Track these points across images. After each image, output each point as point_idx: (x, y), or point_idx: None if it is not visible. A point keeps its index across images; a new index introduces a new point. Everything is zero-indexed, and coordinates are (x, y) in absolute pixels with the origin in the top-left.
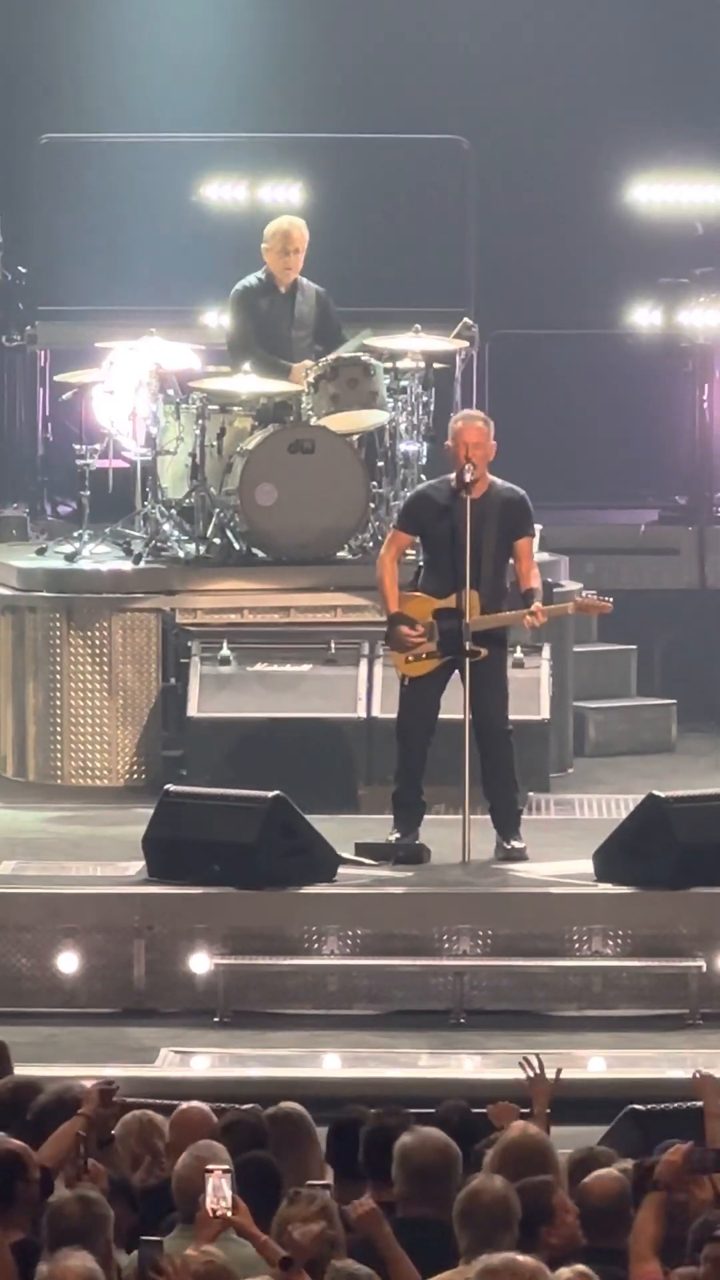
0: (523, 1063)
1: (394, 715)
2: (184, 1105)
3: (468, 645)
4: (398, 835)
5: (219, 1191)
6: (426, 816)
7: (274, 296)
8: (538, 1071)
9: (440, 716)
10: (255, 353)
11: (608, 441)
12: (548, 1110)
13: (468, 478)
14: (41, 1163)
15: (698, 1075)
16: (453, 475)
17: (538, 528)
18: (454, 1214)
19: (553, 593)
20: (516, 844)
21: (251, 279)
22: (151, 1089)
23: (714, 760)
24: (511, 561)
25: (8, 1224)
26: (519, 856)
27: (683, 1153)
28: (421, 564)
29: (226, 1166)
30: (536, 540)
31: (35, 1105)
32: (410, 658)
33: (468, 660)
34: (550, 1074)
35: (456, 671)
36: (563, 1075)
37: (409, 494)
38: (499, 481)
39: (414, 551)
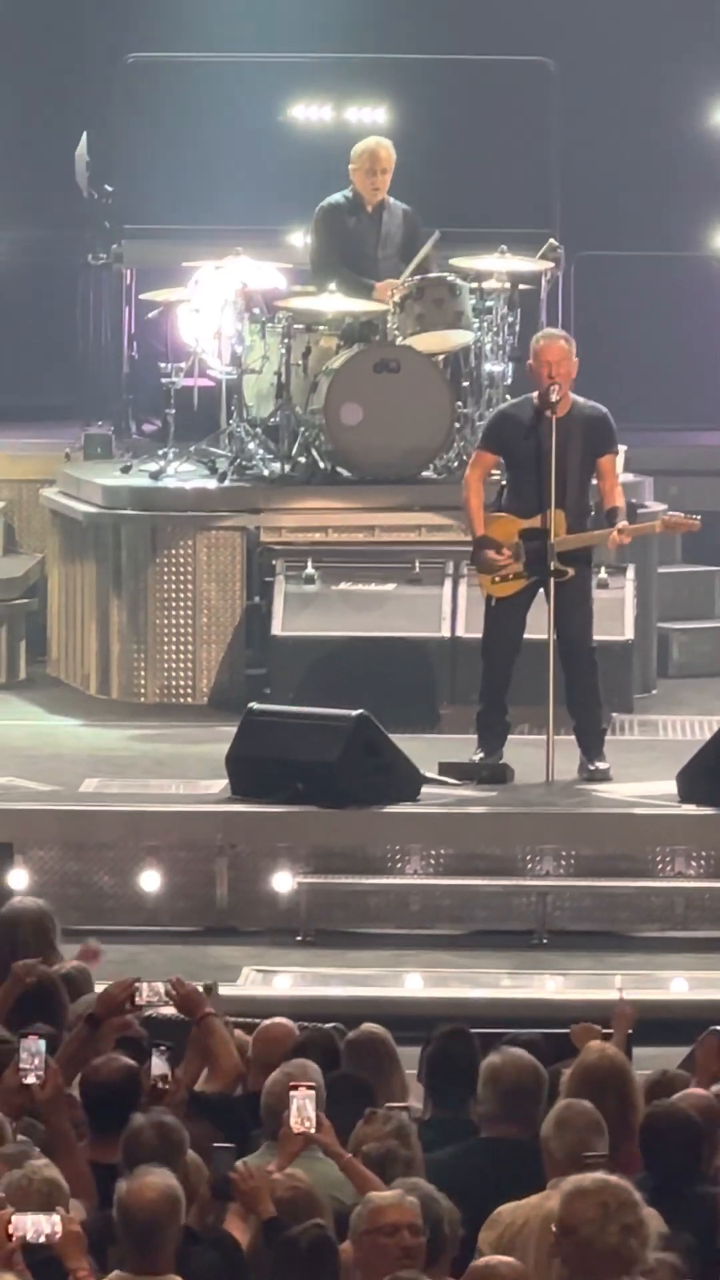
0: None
1: (478, 635)
2: (267, 1021)
3: (554, 565)
4: (481, 755)
5: (303, 1110)
6: (511, 736)
7: (360, 216)
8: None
9: (527, 637)
10: (340, 272)
11: (693, 363)
12: (629, 1032)
13: (553, 397)
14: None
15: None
16: (535, 394)
17: (622, 448)
18: (543, 1134)
19: (637, 512)
20: (601, 764)
21: (338, 197)
22: (235, 1008)
23: None
24: (595, 480)
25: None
26: (603, 777)
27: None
28: (505, 484)
29: (312, 1084)
30: (621, 460)
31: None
32: (497, 578)
33: (553, 580)
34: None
35: (541, 591)
36: (645, 997)
37: (490, 413)
38: (581, 400)
39: (498, 471)
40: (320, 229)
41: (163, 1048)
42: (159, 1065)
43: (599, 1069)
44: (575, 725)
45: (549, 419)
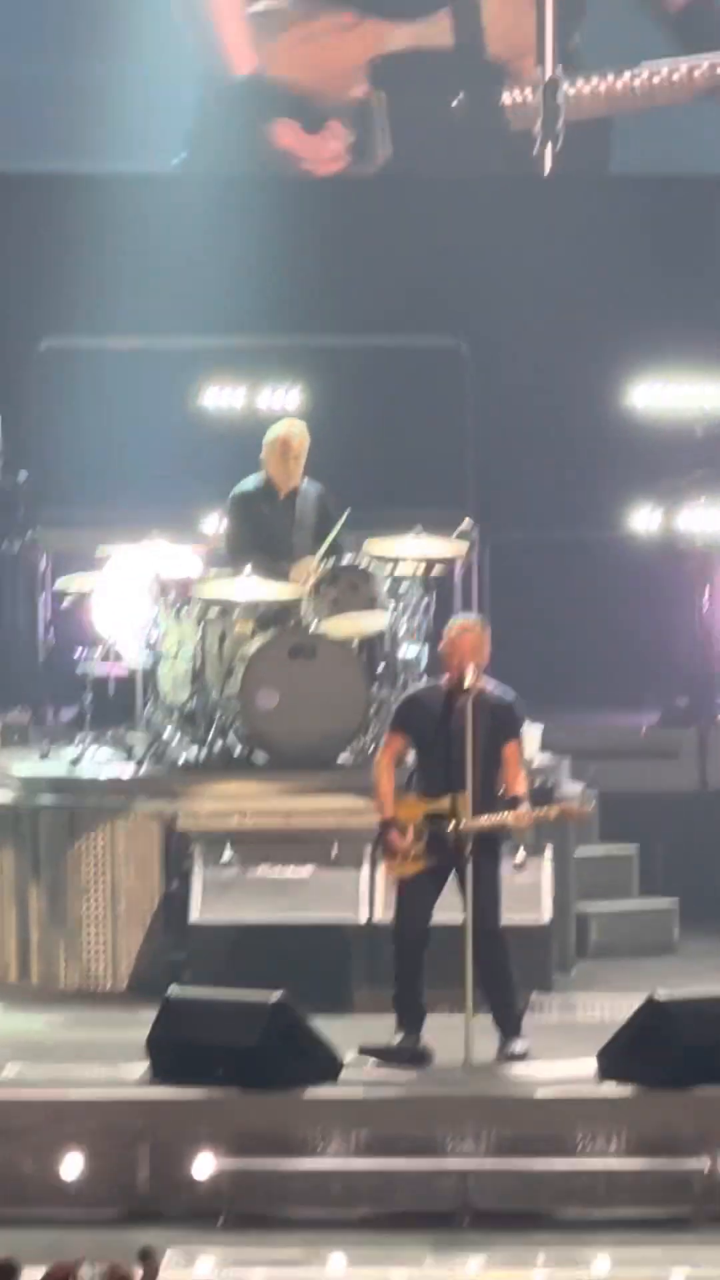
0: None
1: None
2: None
3: (458, 846)
4: (401, 1036)
5: None
6: (430, 1017)
7: (273, 501)
8: None
9: (442, 919)
10: (254, 556)
11: (608, 644)
12: None
13: (467, 683)
14: None
15: None
16: (444, 678)
17: (539, 728)
18: None
19: (551, 795)
20: (517, 1046)
21: (250, 483)
22: None
23: (716, 961)
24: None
25: None
26: (520, 1056)
27: None
28: (415, 766)
29: None
30: (538, 742)
31: None
32: (400, 859)
33: (464, 861)
34: None
35: (454, 873)
36: (567, 1276)
37: (401, 697)
38: (489, 685)
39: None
40: (234, 515)
41: None
42: None
43: None
44: (489, 1006)
45: (463, 704)
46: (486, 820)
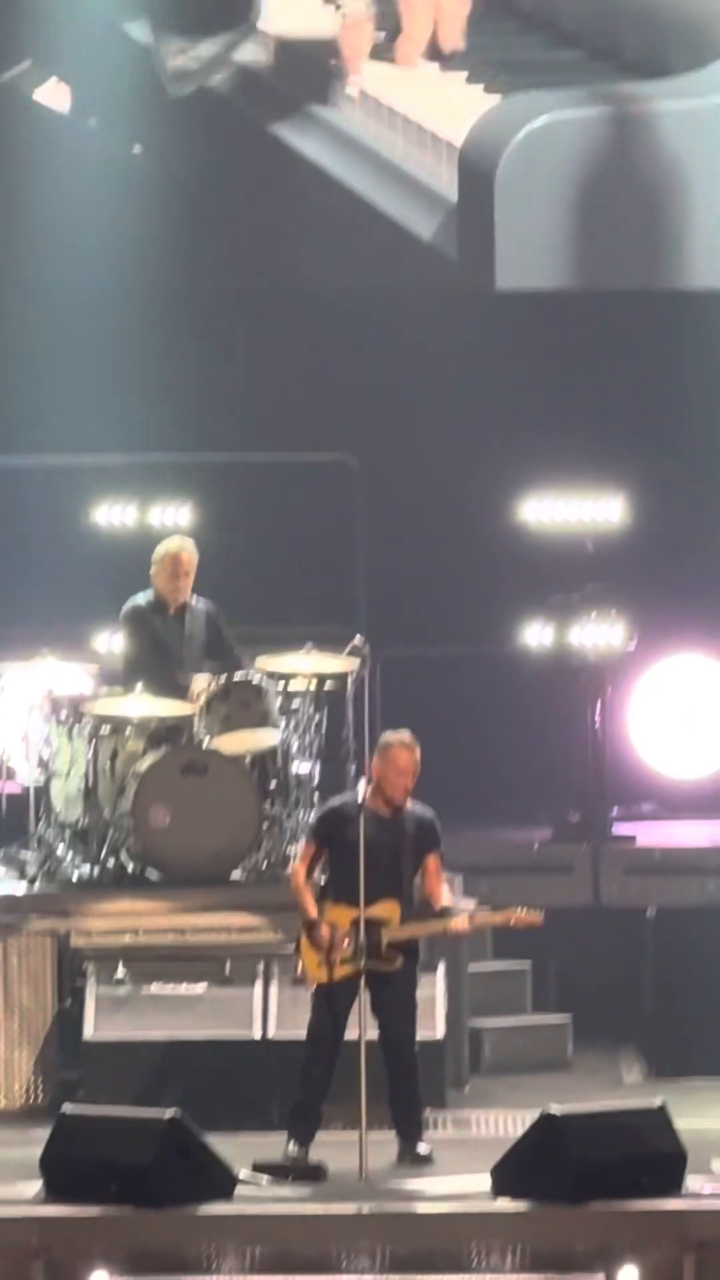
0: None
1: (291, 1033)
2: None
3: (383, 953)
4: (294, 1145)
5: None
6: (323, 1134)
7: (164, 616)
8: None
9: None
10: (148, 672)
11: (500, 759)
12: None
13: (398, 801)
14: None
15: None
16: (362, 790)
17: (440, 838)
18: None
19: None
20: (423, 1148)
21: (140, 598)
22: None
23: (609, 1077)
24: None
25: None
26: (426, 1160)
27: None
28: (327, 877)
29: None
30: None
31: None
32: (322, 962)
33: (380, 971)
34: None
35: (367, 986)
36: None
37: (322, 808)
38: (409, 801)
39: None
40: (126, 631)
41: None
42: None
43: None
44: (394, 1118)
45: (382, 817)
46: (421, 927)
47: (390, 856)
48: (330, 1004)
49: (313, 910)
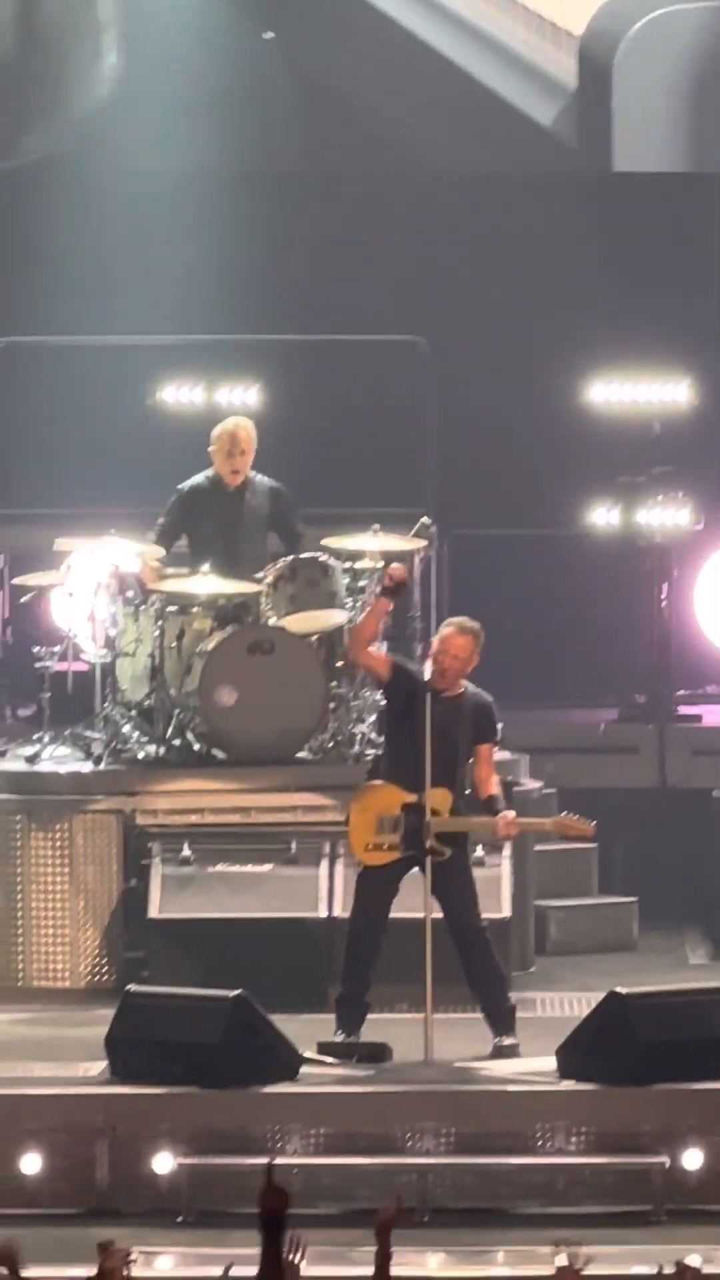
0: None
1: None
2: None
3: (430, 844)
4: (342, 1034)
5: None
6: (390, 1015)
7: (221, 496)
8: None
9: (401, 914)
10: (203, 551)
11: (567, 640)
12: None
13: (446, 683)
14: None
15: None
16: (429, 669)
17: (500, 725)
18: None
19: (513, 790)
20: (508, 1040)
21: (200, 479)
22: None
23: (675, 958)
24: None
25: None
26: (511, 1053)
27: None
28: (384, 754)
29: None
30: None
31: None
32: (371, 846)
33: (438, 858)
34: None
35: (416, 870)
36: (528, 1273)
37: (396, 659)
38: (471, 687)
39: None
40: (170, 508)
41: None
42: None
43: None
44: (480, 1004)
45: (443, 698)
46: (468, 821)
47: (446, 741)
48: (371, 886)
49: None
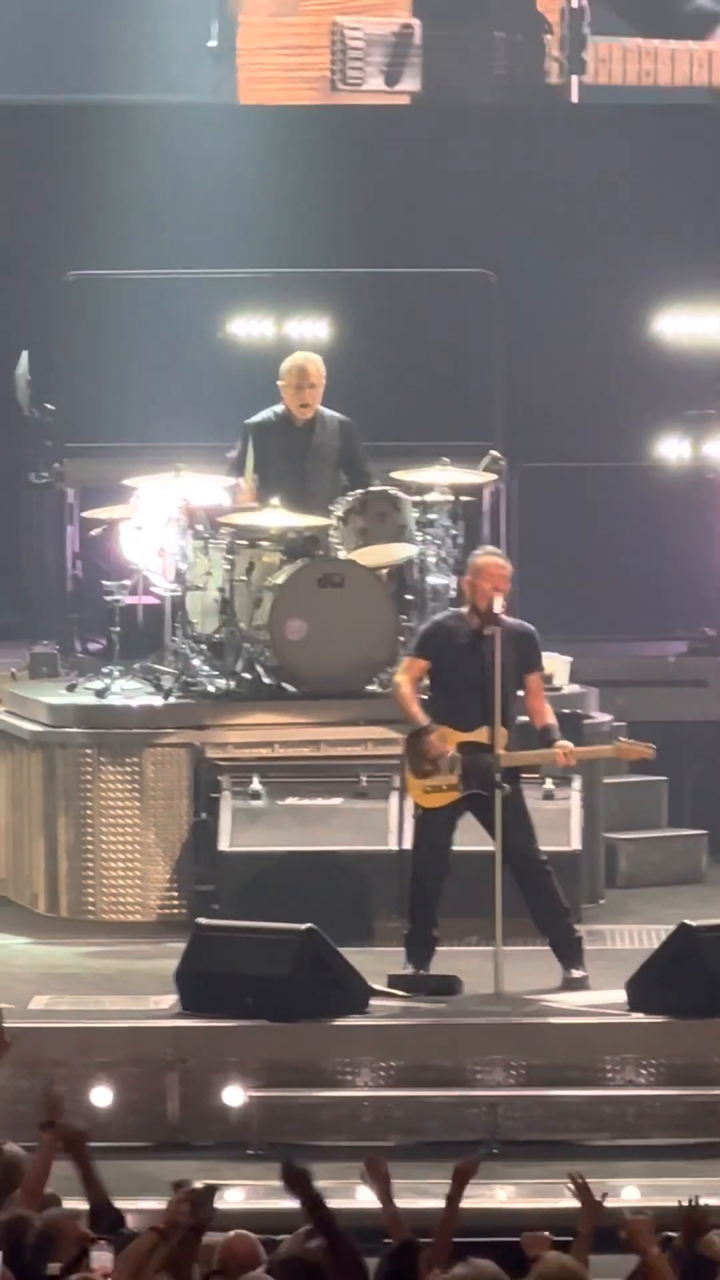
0: (570, 1185)
1: None
2: (231, 1234)
3: (499, 779)
4: (411, 968)
5: None
6: (459, 947)
7: (289, 430)
8: (582, 1190)
9: (470, 848)
10: (272, 485)
11: (636, 573)
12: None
13: (498, 606)
14: None
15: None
16: (466, 608)
17: (568, 660)
18: None
19: (583, 724)
20: (577, 973)
21: (268, 413)
22: None
23: None
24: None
25: None
26: (580, 985)
27: None
28: (432, 696)
29: None
30: (567, 671)
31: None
32: (429, 788)
33: (498, 794)
34: (596, 1195)
35: (470, 811)
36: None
37: (425, 624)
38: (509, 618)
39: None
40: (241, 440)
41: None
42: (101, 1259)
43: (556, 1277)
44: (548, 938)
45: (493, 634)
46: (534, 755)
47: (492, 675)
48: (431, 828)
49: (421, 718)
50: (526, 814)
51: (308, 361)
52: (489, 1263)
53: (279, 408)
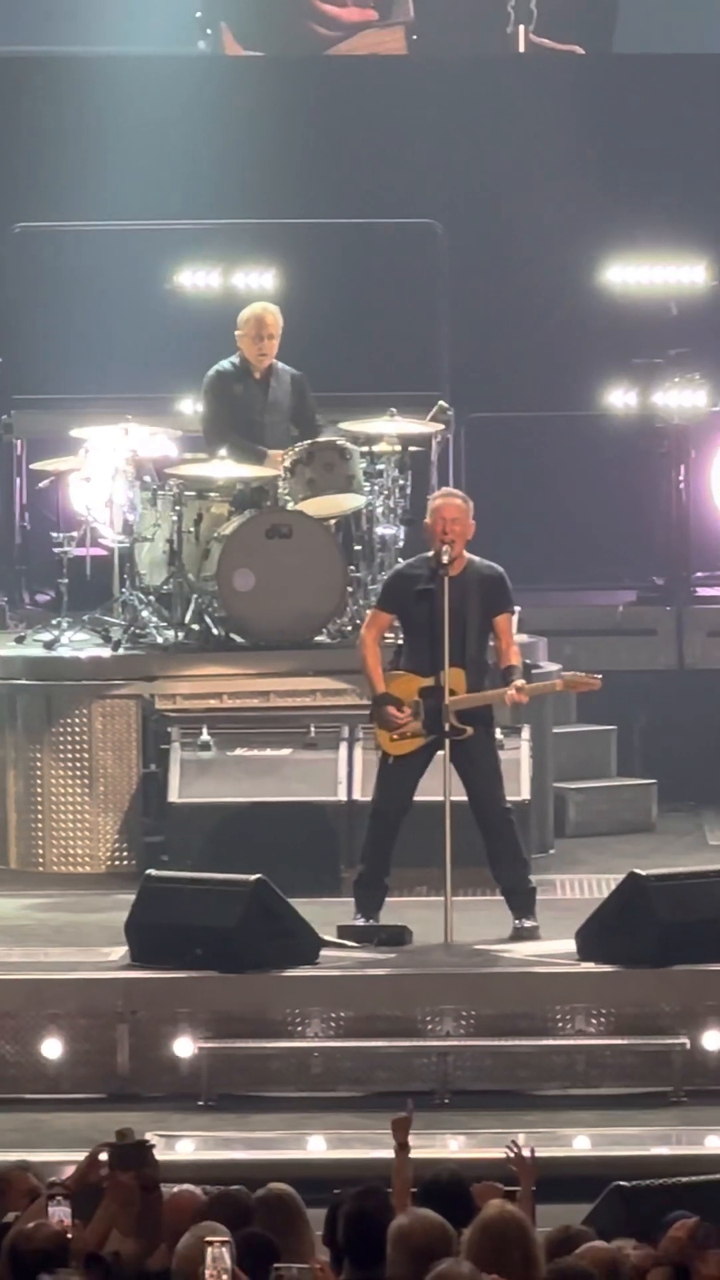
0: (509, 1146)
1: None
2: (174, 1189)
3: (450, 724)
4: (361, 917)
5: (219, 1262)
6: (409, 898)
7: (248, 382)
8: (519, 1153)
9: (422, 798)
10: (230, 438)
11: (584, 523)
12: (532, 1189)
13: (445, 558)
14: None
15: (513, 1152)
16: (430, 554)
17: (516, 609)
18: None
19: (531, 672)
20: (529, 922)
21: (225, 364)
22: None
23: (694, 839)
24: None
25: None
26: (531, 935)
27: (689, 1228)
28: (402, 643)
29: (226, 1238)
30: (515, 620)
31: None
32: (395, 736)
33: (448, 740)
34: (527, 1154)
35: (439, 753)
36: (547, 1154)
37: (387, 574)
38: (477, 559)
39: (393, 633)
40: (209, 397)
41: (59, 1197)
42: (59, 1213)
43: (499, 1225)
44: (501, 885)
45: (443, 578)
46: (479, 695)
47: (456, 619)
48: (396, 775)
49: (380, 685)
50: (495, 760)
51: (266, 311)
52: (431, 1212)
53: (235, 358)
